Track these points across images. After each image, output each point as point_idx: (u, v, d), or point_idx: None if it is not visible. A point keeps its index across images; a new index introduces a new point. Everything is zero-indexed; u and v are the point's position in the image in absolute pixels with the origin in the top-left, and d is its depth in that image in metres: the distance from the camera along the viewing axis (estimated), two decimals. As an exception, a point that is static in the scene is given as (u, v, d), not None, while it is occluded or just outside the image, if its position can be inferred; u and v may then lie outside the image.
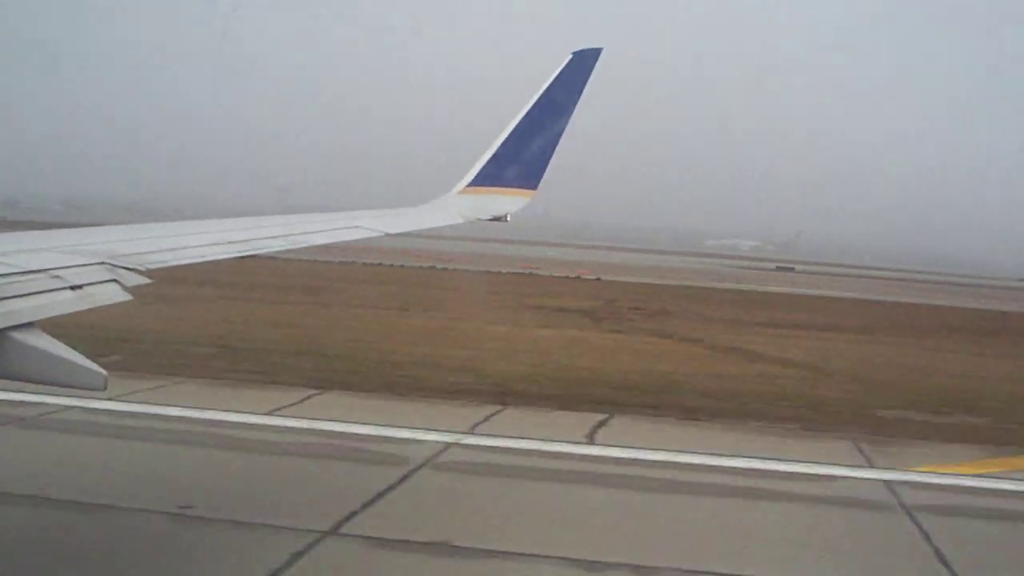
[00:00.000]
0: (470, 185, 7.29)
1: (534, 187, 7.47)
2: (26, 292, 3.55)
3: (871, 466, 9.38)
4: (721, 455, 9.34)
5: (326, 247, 6.08)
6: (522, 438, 9.67)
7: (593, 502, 7.86)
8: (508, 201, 7.35)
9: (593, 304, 29.03)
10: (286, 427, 9.70)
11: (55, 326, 3.50)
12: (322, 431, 9.55)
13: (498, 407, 11.28)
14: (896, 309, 37.80)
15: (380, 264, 40.75)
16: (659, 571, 6.20)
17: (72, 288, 3.74)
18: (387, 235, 6.19)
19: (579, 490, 8.22)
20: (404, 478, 8.07)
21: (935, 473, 9.18)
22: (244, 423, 9.75)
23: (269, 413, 10.17)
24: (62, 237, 4.71)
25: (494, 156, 7.37)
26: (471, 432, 9.89)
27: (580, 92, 7.68)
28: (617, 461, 9.06)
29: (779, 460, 9.29)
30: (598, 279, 43.31)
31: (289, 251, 5.49)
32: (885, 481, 8.76)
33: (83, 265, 4.03)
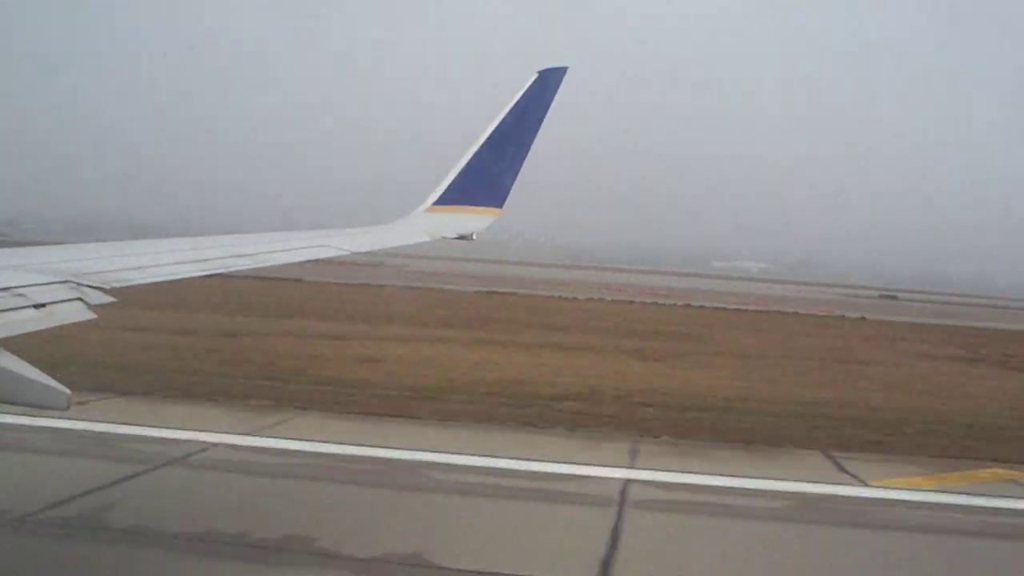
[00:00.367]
0: (436, 203, 7.36)
1: (500, 205, 7.56)
2: (-12, 310, 3.56)
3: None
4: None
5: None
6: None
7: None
8: (475, 219, 7.42)
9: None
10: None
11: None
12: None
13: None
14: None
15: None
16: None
17: (35, 307, 3.75)
18: (353, 253, 6.26)
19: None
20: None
21: None
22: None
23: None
24: (30, 255, 4.74)
25: (460, 174, 7.45)
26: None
27: (546, 110, 7.80)
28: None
29: None
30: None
31: (256, 270, 5.53)
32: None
33: (48, 284, 4.05)
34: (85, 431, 9.58)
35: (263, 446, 9.66)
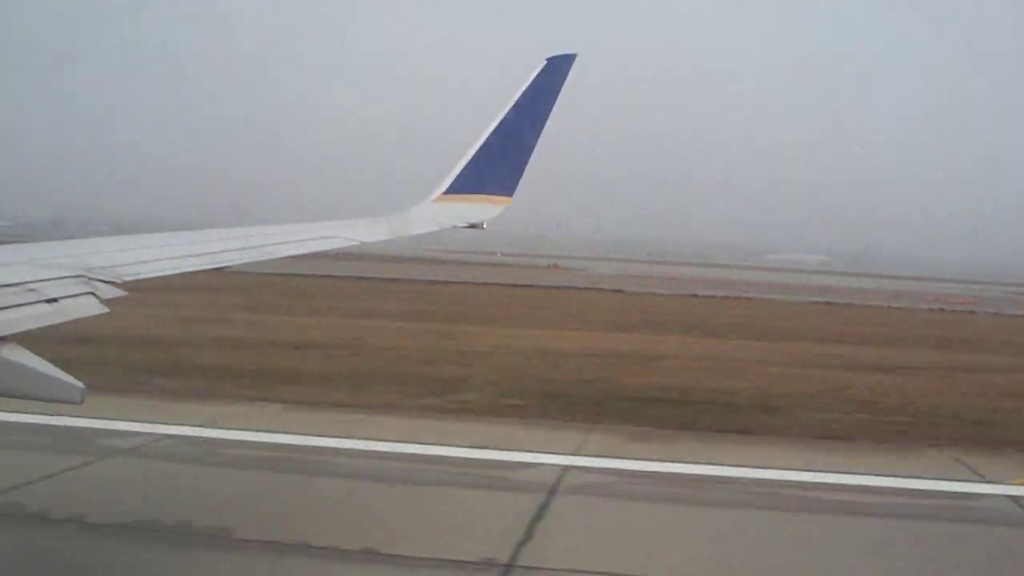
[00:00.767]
0: (446, 193, 7.30)
1: (510, 194, 7.51)
2: (1, 306, 3.55)
3: None
4: None
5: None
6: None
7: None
8: (484, 208, 7.37)
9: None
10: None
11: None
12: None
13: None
14: None
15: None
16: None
17: (48, 301, 3.74)
18: (363, 243, 6.22)
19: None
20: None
21: None
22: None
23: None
24: (39, 250, 4.73)
25: (470, 163, 7.38)
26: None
27: (555, 98, 7.72)
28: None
29: None
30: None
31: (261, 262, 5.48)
32: None
33: (59, 278, 4.04)
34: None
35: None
